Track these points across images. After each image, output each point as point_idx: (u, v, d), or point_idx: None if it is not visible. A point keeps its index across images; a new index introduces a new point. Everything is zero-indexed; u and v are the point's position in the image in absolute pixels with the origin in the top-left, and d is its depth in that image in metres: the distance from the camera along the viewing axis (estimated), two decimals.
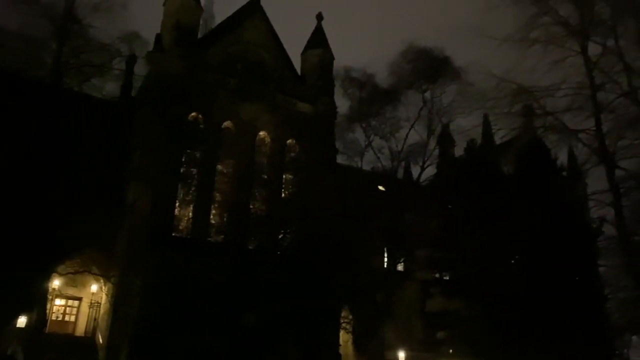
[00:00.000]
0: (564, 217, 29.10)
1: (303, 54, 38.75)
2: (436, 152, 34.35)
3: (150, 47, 32.85)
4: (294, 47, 38.77)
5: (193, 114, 32.71)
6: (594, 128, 22.91)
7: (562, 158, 33.98)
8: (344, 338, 33.93)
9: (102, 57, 27.82)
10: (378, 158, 32.03)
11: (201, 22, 37.72)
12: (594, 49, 23.43)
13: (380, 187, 35.40)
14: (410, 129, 31.22)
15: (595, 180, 24.92)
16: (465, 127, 34.07)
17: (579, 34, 23.54)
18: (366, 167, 34.97)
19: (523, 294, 30.19)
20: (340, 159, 35.67)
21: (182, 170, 31.94)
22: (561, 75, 23.29)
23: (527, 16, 23.63)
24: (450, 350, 39.03)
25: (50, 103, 24.49)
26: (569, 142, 25.63)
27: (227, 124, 33.54)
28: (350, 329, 31.83)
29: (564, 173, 33.63)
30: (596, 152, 22.90)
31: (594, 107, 22.75)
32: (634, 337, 37.21)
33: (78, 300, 33.28)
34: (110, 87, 31.21)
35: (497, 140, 38.79)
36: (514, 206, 30.06)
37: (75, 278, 28.56)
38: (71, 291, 32.09)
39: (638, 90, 22.18)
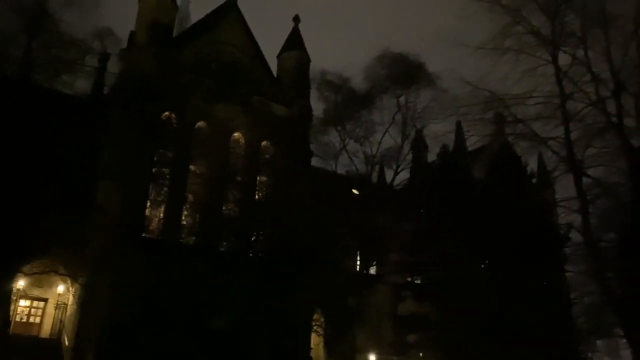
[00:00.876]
0: (533, 223, 29.62)
1: (279, 56, 38.68)
2: (410, 156, 34.70)
3: (124, 45, 32.39)
4: (271, 49, 38.72)
5: (166, 113, 32.30)
6: (563, 136, 23.40)
7: (532, 165, 34.68)
8: (315, 341, 33.91)
9: (74, 53, 27.30)
10: (352, 161, 32.24)
11: (176, 21, 37.31)
12: (564, 59, 23.96)
13: (354, 191, 35.53)
14: (384, 134, 31.54)
15: (564, 188, 25.44)
16: (439, 132, 34.52)
17: (550, 44, 24.03)
18: (340, 170, 35.12)
19: (492, 298, 30.64)
20: (315, 162, 35.74)
21: (153, 170, 31.48)
22: (532, 84, 23.75)
23: (500, 25, 24.03)
24: (421, 354, 39.37)
25: (18, 99, 23.88)
26: (539, 149, 26.10)
27: (200, 124, 33.22)
28: (322, 332, 31.85)
29: (534, 180, 34.30)
30: (565, 160, 23.38)
31: (563, 116, 23.23)
32: (599, 342, 38.06)
33: (44, 302, 32.47)
34: (81, 84, 30.67)
35: (469, 146, 39.39)
36: (485, 211, 30.49)
37: (41, 278, 27.88)
38: (36, 292, 31.30)
39: (605, 100, 22.75)
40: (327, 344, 34.12)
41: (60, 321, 31.84)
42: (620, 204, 24.28)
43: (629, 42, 22.88)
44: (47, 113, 24.36)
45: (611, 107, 22.84)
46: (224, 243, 31.03)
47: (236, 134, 34.51)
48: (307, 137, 35.32)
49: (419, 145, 35.32)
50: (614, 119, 22.65)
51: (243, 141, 34.70)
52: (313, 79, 36.77)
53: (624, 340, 26.79)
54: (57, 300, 32.26)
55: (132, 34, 32.92)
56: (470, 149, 39.49)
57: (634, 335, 23.35)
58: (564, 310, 32.57)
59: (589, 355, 41.07)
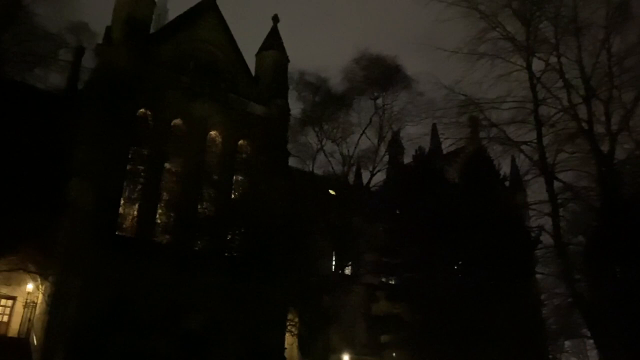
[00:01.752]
0: (505, 226, 30.13)
1: (258, 55, 38.58)
2: (386, 158, 34.96)
3: (100, 40, 31.89)
4: (249, 48, 38.60)
5: (142, 110, 31.93)
6: (535, 141, 23.89)
7: (505, 168, 35.29)
8: (289, 341, 33.89)
9: (47, 47, 26.76)
10: (329, 162, 32.34)
11: (154, 17, 36.90)
12: (537, 65, 24.50)
13: (331, 191, 35.65)
14: (361, 135, 31.74)
15: (536, 191, 25.98)
16: (415, 135, 34.88)
17: (524, 50, 24.53)
18: (317, 170, 35.16)
19: (464, 299, 31.06)
20: (292, 162, 35.72)
21: (128, 168, 31.08)
22: (506, 89, 24.22)
23: (476, 30, 24.46)
24: (394, 354, 39.71)
25: None
26: (512, 153, 26.61)
27: (177, 121, 32.92)
28: (296, 332, 31.83)
29: (506, 183, 34.90)
30: (536, 164, 23.88)
31: (535, 121, 23.74)
32: (567, 342, 38.90)
33: (12, 300, 31.68)
34: (55, 79, 30.08)
35: (445, 149, 39.90)
36: (458, 213, 30.90)
37: (9, 276, 27.24)
38: (4, 290, 30.55)
39: (577, 107, 23.31)
40: (301, 344, 34.13)
41: (29, 320, 31.12)
42: (589, 208, 24.90)
43: (599, 50, 23.53)
44: (18, 107, 23.85)
45: (582, 113, 23.43)
46: (199, 242, 30.80)
47: (213, 133, 34.30)
48: (285, 137, 35.30)
49: (395, 147, 35.64)
50: (584, 125, 23.23)
51: (220, 140, 34.49)
52: (291, 79, 36.83)
53: (591, 341, 27.49)
54: (26, 299, 31.53)
55: (109, 29, 32.44)
56: (445, 151, 40.05)
57: (600, 336, 23.96)
58: (533, 312, 33.21)
59: (558, 355, 41.99)
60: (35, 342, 29.25)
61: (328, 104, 31.06)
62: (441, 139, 33.66)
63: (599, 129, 23.39)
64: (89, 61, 33.04)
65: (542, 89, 24.13)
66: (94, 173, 27.94)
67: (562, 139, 23.64)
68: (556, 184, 23.89)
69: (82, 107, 29.13)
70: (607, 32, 23.24)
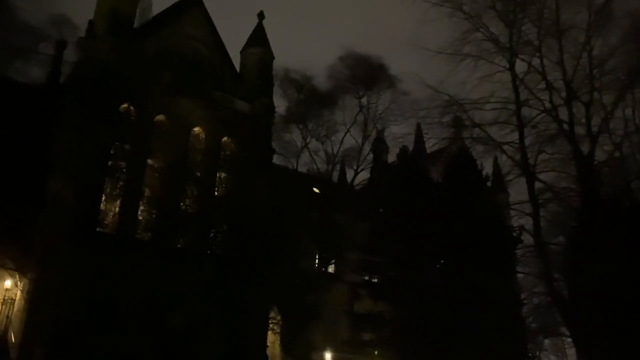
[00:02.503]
0: (487, 225, 30.44)
1: (243, 51, 38.35)
2: (370, 157, 35.07)
3: (82, 34, 31.43)
4: (234, 45, 38.34)
5: (124, 105, 31.53)
6: (517, 141, 24.20)
7: (488, 169, 35.65)
8: (272, 339, 33.87)
9: (28, 40, 26.35)
10: (314, 160, 32.34)
11: (138, 11, 36.47)
12: (520, 66, 24.80)
13: (315, 190, 35.66)
14: (346, 133, 31.81)
15: (517, 191, 26.33)
16: (399, 134, 35.07)
17: (507, 51, 24.83)
18: (302, 168, 35.14)
19: (445, 298, 31.32)
20: (276, 160, 35.64)
21: (109, 163, 30.70)
22: (489, 90, 24.53)
23: (460, 31, 24.70)
24: (376, 352, 39.88)
25: None
26: (494, 153, 26.95)
27: (160, 117, 32.58)
28: (278, 330, 31.82)
29: (489, 183, 35.24)
30: (518, 165, 24.19)
31: (518, 122, 24.06)
32: (546, 341, 39.47)
33: None
34: (36, 73, 29.64)
35: (428, 148, 40.18)
36: (441, 213, 31.14)
37: None
38: None
39: (558, 108, 23.66)
40: (284, 342, 34.14)
41: (7, 317, 30.63)
42: (569, 208, 25.29)
43: (581, 53, 23.90)
44: None
45: (563, 114, 23.80)
46: (181, 239, 30.59)
47: (196, 129, 34.03)
48: (269, 134, 35.18)
49: (380, 146, 35.80)
50: (565, 126, 23.60)
51: (203, 136, 34.24)
52: (276, 76, 36.70)
53: (570, 339, 27.94)
54: (4, 296, 31.02)
55: (91, 23, 31.95)
56: (429, 151, 40.35)
57: (579, 335, 24.37)
58: (514, 310, 33.62)
59: (537, 353, 42.59)
60: (13, 339, 28.80)
61: (313, 102, 31.03)
62: (425, 139, 33.98)
63: (580, 130, 23.82)
64: (70, 55, 32.62)
65: (525, 90, 24.50)
66: (75, 168, 27.54)
67: (544, 140, 24.03)
68: (537, 184, 24.26)
69: (63, 101, 28.70)
70: (588, 34, 23.64)
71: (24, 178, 23.18)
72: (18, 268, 27.03)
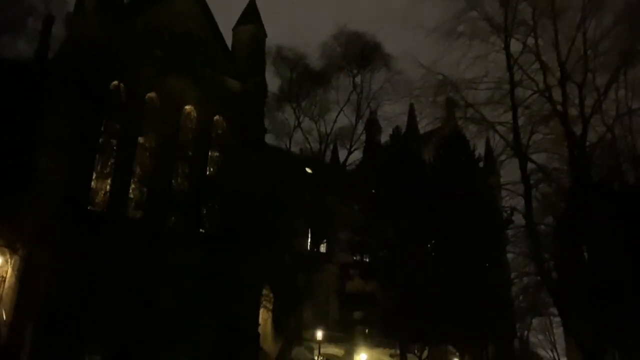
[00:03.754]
0: (478, 206, 30.59)
1: (234, 29, 37.84)
2: (364, 137, 34.92)
3: (71, 9, 30.89)
4: (226, 22, 37.80)
5: (115, 82, 31.12)
6: (511, 122, 24.16)
7: (480, 150, 35.71)
8: (264, 316, 34.10)
9: (15, 13, 25.79)
10: (307, 140, 32.12)
11: None
12: (515, 46, 24.64)
13: (308, 170, 35.55)
14: (339, 113, 31.50)
15: (508, 172, 26.39)
16: (392, 114, 34.89)
17: (502, 31, 24.61)
18: (295, 148, 34.93)
19: (435, 277, 31.59)
20: (269, 139, 35.39)
21: (100, 141, 30.41)
22: (483, 70, 24.36)
23: (455, 10, 24.42)
24: (367, 330, 40.34)
25: None
26: (487, 134, 26.91)
27: (150, 95, 32.20)
28: (271, 307, 31.98)
29: (481, 164, 35.35)
30: (511, 145, 24.19)
31: (511, 102, 23.96)
32: (534, 320, 40.06)
33: None
34: (23, 48, 29.09)
35: (421, 129, 40.13)
36: (432, 193, 31.23)
37: None
38: None
39: (552, 89, 23.60)
40: (276, 320, 34.38)
41: None
42: (560, 190, 25.43)
43: (575, 34, 23.78)
44: None
45: (557, 95, 23.76)
46: (172, 218, 30.50)
47: (187, 107, 33.71)
48: (261, 113, 34.91)
49: (372, 126, 35.65)
50: (559, 107, 23.56)
51: (194, 115, 33.94)
52: (269, 54, 36.26)
53: (557, 319, 28.32)
54: None
55: None
56: (421, 132, 40.27)
57: (566, 314, 24.71)
58: (503, 290, 34.01)
59: (525, 332, 43.28)
60: (4, 316, 28.77)
61: (306, 81, 30.66)
62: (418, 119, 33.87)
63: (573, 111, 23.79)
64: (59, 30, 32.03)
65: (519, 70, 24.35)
66: (65, 146, 27.26)
67: (537, 120, 23.96)
68: (529, 165, 24.28)
69: (52, 78, 28.25)
70: (583, 15, 23.50)
71: (14, 155, 22.86)
72: (9, 245, 26.84)
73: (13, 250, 27.41)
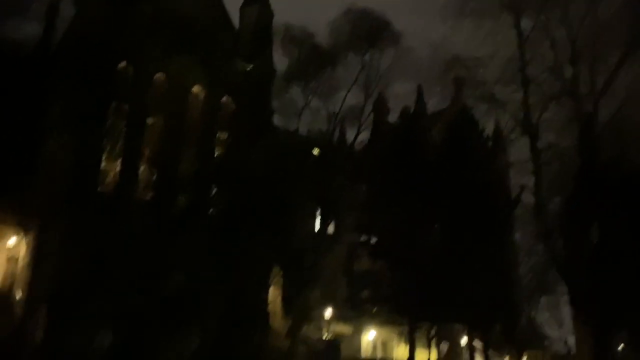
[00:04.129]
0: (487, 185, 30.59)
1: (241, 9, 37.47)
2: (372, 117, 34.66)
3: None
4: (233, 2, 37.47)
5: (122, 63, 31.09)
6: (521, 100, 23.99)
7: (489, 130, 35.48)
8: (273, 295, 34.43)
9: None
10: (315, 120, 31.95)
11: None
12: (525, 24, 24.35)
13: (315, 150, 35.54)
14: (348, 92, 31.14)
15: (517, 152, 26.30)
16: (401, 93, 34.59)
17: (512, 8, 24.32)
18: (303, 129, 34.78)
19: (442, 257, 31.76)
20: (277, 120, 35.25)
21: (108, 123, 30.48)
22: (493, 48, 24.12)
23: None
24: (374, 309, 40.70)
25: None
26: (496, 113, 26.74)
27: (158, 76, 32.15)
28: (280, 286, 32.26)
29: (490, 144, 35.19)
30: (521, 123, 24.07)
31: (522, 80, 23.76)
32: (542, 299, 40.24)
33: None
34: (30, 29, 28.99)
35: (429, 109, 39.90)
36: (441, 173, 31.23)
37: None
38: None
39: (563, 67, 23.38)
40: (285, 299, 34.70)
41: (12, 274, 31.03)
42: (569, 168, 25.37)
43: (586, 11, 23.46)
44: None
45: (568, 73, 23.54)
46: (181, 199, 30.66)
47: (195, 89, 33.65)
48: (269, 93, 34.75)
49: (381, 106, 35.43)
50: (569, 85, 23.37)
51: (202, 96, 33.90)
52: (276, 34, 35.89)
53: (564, 298, 28.49)
54: (8, 254, 31.35)
55: None
56: (430, 112, 40.04)
57: (574, 292, 24.84)
58: (510, 269, 34.17)
59: (533, 312, 43.53)
60: (18, 296, 29.26)
61: (314, 60, 30.34)
62: (427, 99, 33.66)
63: (584, 89, 23.59)
64: (66, 11, 31.85)
65: (529, 48, 24.10)
66: (73, 128, 27.37)
67: (547, 99, 23.78)
68: (539, 144, 24.18)
69: (59, 59, 28.24)
70: None
71: (24, 137, 22.97)
72: (21, 225, 27.14)
73: (26, 231, 27.73)
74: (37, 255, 27.88)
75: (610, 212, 23.29)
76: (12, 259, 31.18)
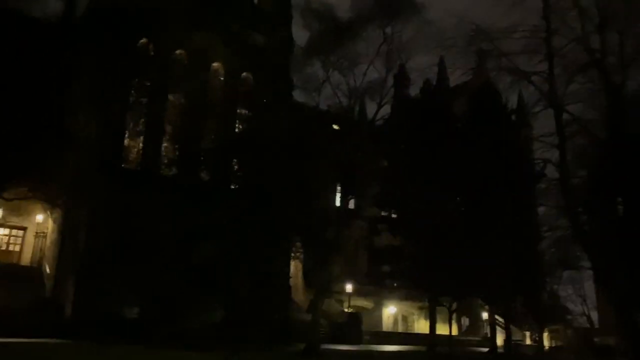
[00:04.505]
0: (510, 159, 30.19)
1: None
2: (393, 91, 34.25)
3: None
4: None
5: (143, 40, 31.19)
6: (546, 71, 23.35)
7: (512, 102, 34.85)
8: (295, 269, 34.83)
9: None
10: (335, 94, 31.62)
11: None
12: None
13: (335, 126, 35.34)
14: (369, 65, 30.71)
15: (541, 125, 25.71)
16: (422, 66, 33.94)
17: None
18: (323, 104, 34.54)
19: (463, 231, 31.62)
20: (297, 95, 35.04)
21: (131, 100, 30.75)
22: (518, 18, 23.38)
23: None
24: (395, 284, 40.97)
25: None
26: (520, 85, 26.05)
27: (179, 52, 32.23)
28: (302, 260, 32.57)
29: (513, 117, 34.63)
30: (546, 96, 23.47)
31: (547, 51, 23.08)
32: (565, 273, 40.00)
33: (23, 230, 32.41)
34: (52, 6, 29.08)
35: (452, 82, 39.23)
36: (463, 147, 30.88)
37: (19, 207, 27.65)
38: (15, 220, 31.19)
39: (590, 36, 22.65)
40: (306, 273, 35.08)
41: (41, 249, 31.94)
42: (595, 141, 24.78)
43: None
44: (15, 37, 23.26)
45: (595, 43, 22.81)
46: (204, 174, 30.91)
47: (215, 64, 33.67)
48: (288, 68, 34.55)
49: (402, 79, 34.94)
50: (597, 55, 22.67)
51: (222, 71, 33.93)
52: (296, 7, 35.37)
53: (588, 273, 28.15)
54: (36, 230, 32.22)
55: None
56: (452, 84, 39.40)
57: (599, 267, 24.53)
58: (532, 243, 33.90)
59: (555, 287, 43.35)
60: (47, 270, 30.10)
61: (335, 33, 29.85)
62: (449, 71, 32.98)
63: (612, 60, 22.85)
64: None
65: (555, 18, 23.31)
66: (97, 105, 27.67)
67: (573, 70, 23.08)
68: (564, 116, 23.61)
69: (81, 36, 28.40)
70: None
71: (48, 114, 23.27)
72: (48, 202, 27.73)
73: (53, 206, 28.33)
74: (65, 231, 28.56)
75: (636, 186, 22.77)
76: (40, 235, 32.06)
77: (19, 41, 23.31)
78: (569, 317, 52.05)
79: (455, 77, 30.43)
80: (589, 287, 47.76)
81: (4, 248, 31.79)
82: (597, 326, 53.68)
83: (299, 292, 37.20)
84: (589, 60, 22.68)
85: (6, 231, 32.02)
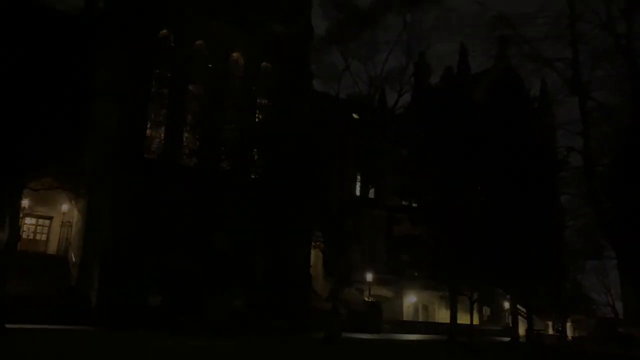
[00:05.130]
0: (532, 147, 29.76)
1: None
2: (413, 79, 33.91)
3: None
4: None
5: (163, 31, 31.42)
6: (570, 58, 22.88)
7: (535, 90, 34.24)
8: (315, 259, 34.95)
9: None
10: (355, 83, 31.43)
11: None
12: None
13: (355, 115, 35.20)
14: (389, 53, 30.42)
15: (564, 112, 25.29)
16: (443, 53, 33.45)
17: None
18: (343, 93, 34.36)
19: (484, 220, 31.31)
20: (317, 84, 34.94)
21: (152, 90, 31.05)
22: (541, 3, 22.90)
23: None
24: (415, 273, 40.83)
25: (7, 14, 23.00)
26: (544, 72, 25.53)
27: (198, 42, 32.37)
28: (322, 250, 32.67)
29: (536, 104, 34.04)
30: (569, 83, 23.00)
31: (571, 37, 22.57)
32: (589, 263, 39.44)
33: (49, 220, 33.10)
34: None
35: (473, 69, 38.73)
36: (485, 135, 30.52)
37: (46, 197, 28.14)
38: (41, 210, 31.83)
39: (615, 21, 22.08)
40: (326, 262, 35.19)
41: (66, 239, 32.60)
42: (620, 128, 24.25)
43: None
44: (38, 28, 23.55)
45: (621, 28, 22.23)
46: (224, 165, 31.13)
47: (235, 54, 33.76)
48: (308, 57, 34.48)
49: (422, 67, 34.58)
50: (622, 41, 22.12)
51: (242, 61, 34.00)
52: None
53: (612, 262, 27.70)
54: (62, 219, 32.87)
55: None
56: (473, 72, 38.87)
57: (623, 256, 24.12)
58: (555, 232, 33.46)
59: (578, 276, 42.79)
60: (73, 258, 30.74)
61: (354, 21, 29.58)
62: (470, 58, 32.59)
63: (638, 45, 22.27)
64: None
65: (580, 2, 22.77)
66: (118, 95, 28.00)
67: (598, 56, 22.55)
68: (589, 103, 23.13)
69: (102, 27, 28.70)
70: None
71: (72, 105, 23.59)
72: (73, 191, 28.18)
73: (77, 196, 28.81)
74: (89, 220, 29.08)
75: None
76: (66, 224, 32.72)
77: (43, 33, 23.57)
78: (593, 307, 51.41)
79: (477, 65, 30.07)
80: (614, 277, 47.08)
81: (31, 237, 32.51)
82: (621, 316, 52.92)
83: (319, 281, 37.39)
84: (614, 47, 22.13)
85: (33, 221, 32.73)
